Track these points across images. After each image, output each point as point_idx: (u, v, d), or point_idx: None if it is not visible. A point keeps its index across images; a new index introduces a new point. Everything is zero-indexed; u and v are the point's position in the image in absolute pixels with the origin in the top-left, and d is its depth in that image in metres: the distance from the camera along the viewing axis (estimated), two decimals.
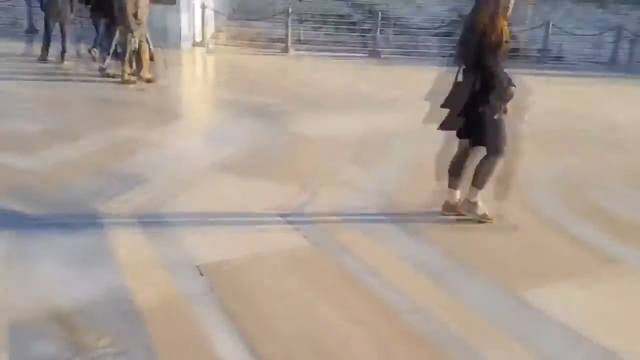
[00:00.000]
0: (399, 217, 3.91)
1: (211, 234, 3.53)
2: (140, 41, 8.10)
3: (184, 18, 12.66)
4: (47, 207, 3.79)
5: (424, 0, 16.09)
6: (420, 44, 13.92)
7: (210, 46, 13.22)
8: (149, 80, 8.29)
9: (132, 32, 7.92)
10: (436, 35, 14.34)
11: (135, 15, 7.90)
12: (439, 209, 3.97)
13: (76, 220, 3.59)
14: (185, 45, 12.79)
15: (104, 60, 8.89)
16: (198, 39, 13.21)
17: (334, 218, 3.85)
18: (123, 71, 8.24)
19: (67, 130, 5.68)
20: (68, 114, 6.55)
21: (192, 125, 6.78)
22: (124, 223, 3.58)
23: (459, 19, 13.88)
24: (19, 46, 11.00)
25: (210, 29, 13.57)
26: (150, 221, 3.63)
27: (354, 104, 7.78)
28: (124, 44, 8.15)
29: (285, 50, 13.17)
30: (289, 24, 13.13)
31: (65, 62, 9.66)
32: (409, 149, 5.60)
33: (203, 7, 13.04)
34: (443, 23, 14.81)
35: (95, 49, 9.84)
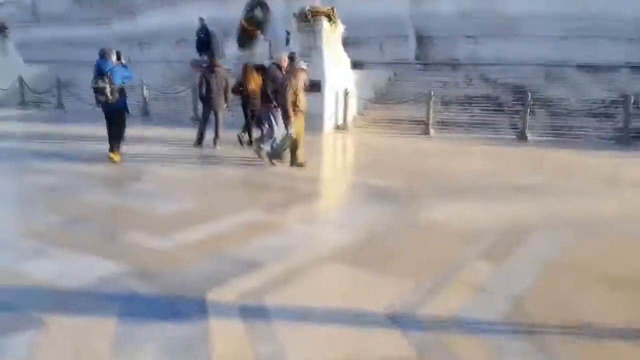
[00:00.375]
0: (528, 329, 3.32)
1: (310, 332, 3.29)
2: (299, 128, 8.41)
3: (328, 103, 13.26)
4: (160, 288, 3.88)
5: (581, 79, 14.97)
6: (574, 125, 12.85)
7: (351, 129, 13.58)
8: (301, 165, 8.53)
9: (290, 119, 8.22)
10: (594, 116, 13.18)
11: (295, 104, 8.25)
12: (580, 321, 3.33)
13: (184, 304, 3.60)
14: (328, 128, 13.31)
15: (259, 145, 9.37)
16: (340, 122, 13.70)
17: (449, 323, 3.39)
18: (272, 155, 8.64)
19: (200, 211, 5.98)
20: (206, 196, 6.92)
21: (318, 210, 6.76)
22: (227, 312, 3.50)
23: (621, 99, 12.64)
24: (182, 132, 12.28)
25: (351, 113, 14.00)
26: (253, 310, 3.51)
27: (493, 191, 7.23)
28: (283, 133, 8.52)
29: (426, 132, 13.03)
30: (431, 106, 13.05)
31: (217, 147, 10.49)
32: (552, 247, 4.91)
33: (346, 92, 13.57)
34: (603, 104, 13.58)
35: (243, 134, 10.62)
